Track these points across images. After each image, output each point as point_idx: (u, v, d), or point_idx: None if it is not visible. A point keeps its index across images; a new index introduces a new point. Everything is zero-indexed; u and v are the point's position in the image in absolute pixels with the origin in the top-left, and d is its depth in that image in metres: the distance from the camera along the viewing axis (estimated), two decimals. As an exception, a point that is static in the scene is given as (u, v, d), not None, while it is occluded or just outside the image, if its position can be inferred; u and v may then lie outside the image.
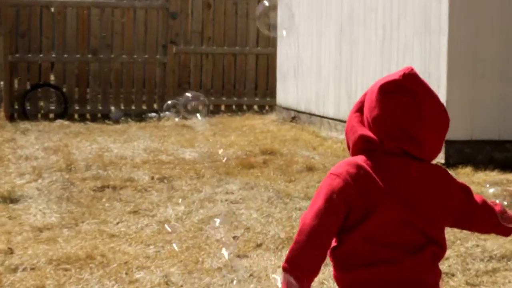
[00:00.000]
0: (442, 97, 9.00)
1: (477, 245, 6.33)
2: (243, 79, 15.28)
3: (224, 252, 4.90)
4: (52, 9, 14.63)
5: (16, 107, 14.43)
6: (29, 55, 14.56)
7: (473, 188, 4.32)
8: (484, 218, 3.10)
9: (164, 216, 7.33)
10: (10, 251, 6.30)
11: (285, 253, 4.94)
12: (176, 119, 12.42)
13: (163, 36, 14.97)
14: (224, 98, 15.25)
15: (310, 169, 9.16)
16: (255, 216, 7.23)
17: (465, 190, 3.07)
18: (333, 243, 2.97)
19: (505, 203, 3.11)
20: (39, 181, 8.62)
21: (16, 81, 14.57)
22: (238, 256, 6.17)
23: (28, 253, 6.21)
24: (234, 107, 15.23)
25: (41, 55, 14.61)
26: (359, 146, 2.98)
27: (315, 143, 10.99)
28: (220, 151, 10.33)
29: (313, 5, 12.52)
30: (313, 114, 12.40)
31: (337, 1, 11.83)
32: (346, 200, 2.89)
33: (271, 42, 14.94)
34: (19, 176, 8.89)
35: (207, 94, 15.21)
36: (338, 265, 2.97)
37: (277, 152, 10.20)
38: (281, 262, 3.05)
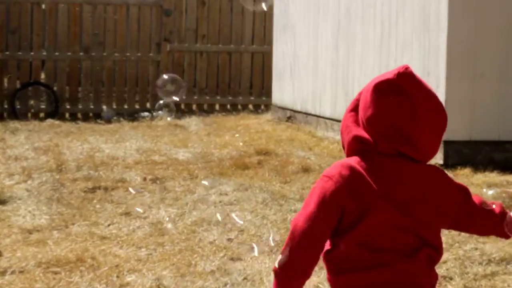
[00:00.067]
0: (441, 97, 9.02)
1: (476, 248, 6.30)
2: (238, 78, 15.22)
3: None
4: (43, 6, 14.57)
5: (6, 106, 14.35)
6: (19, 53, 14.48)
7: (472, 189, 4.29)
8: (483, 220, 3.06)
9: (156, 218, 7.30)
10: (-2, 254, 6.28)
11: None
12: (169, 119, 12.38)
13: (157, 33, 14.90)
14: (218, 97, 15.19)
15: (306, 170, 9.13)
16: (249, 218, 7.21)
17: (463, 191, 3.04)
18: (327, 246, 2.95)
19: None
20: (29, 182, 8.60)
21: (5, 80, 14.51)
22: (232, 259, 6.17)
23: (17, 256, 6.18)
24: (228, 106, 15.17)
25: (31, 53, 14.52)
26: (353, 147, 2.97)
27: (311, 144, 10.97)
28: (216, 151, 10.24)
29: (310, 1, 12.44)
30: (309, 114, 12.38)
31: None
32: (339, 203, 2.88)
33: (267, 40, 14.90)
34: (8, 176, 8.86)
35: (201, 93, 15.15)
36: (332, 268, 2.95)
37: (272, 152, 10.18)
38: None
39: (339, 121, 11.00)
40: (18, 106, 14.29)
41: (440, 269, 5.71)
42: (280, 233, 6.70)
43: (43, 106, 14.41)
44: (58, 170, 9.09)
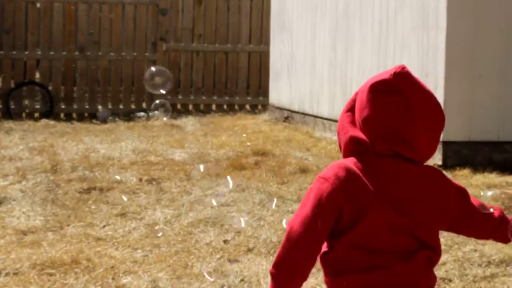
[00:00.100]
0: (440, 97, 9.02)
1: (475, 250, 6.29)
2: (235, 78, 15.19)
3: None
4: (38, 5, 14.54)
5: (0, 106, 14.29)
6: (14, 52, 14.43)
7: (471, 190, 4.29)
8: (481, 222, 3.06)
9: (152, 219, 7.29)
10: (-8, 255, 6.29)
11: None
12: (165, 119, 12.35)
13: (153, 33, 14.86)
14: (215, 97, 15.16)
15: (303, 170, 9.11)
16: (246, 219, 7.19)
17: (461, 192, 3.03)
18: (324, 248, 2.95)
19: None
20: (23, 182, 8.56)
21: (0, 79, 14.40)
22: (229, 261, 6.18)
23: (11, 257, 6.18)
24: (225, 106, 15.14)
25: (26, 52, 14.47)
26: (349, 147, 2.97)
27: (309, 144, 10.94)
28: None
29: (307, 0, 12.43)
30: (307, 114, 12.36)
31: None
32: (335, 204, 2.88)
33: (264, 40, 14.87)
34: (2, 177, 8.82)
35: (198, 93, 15.10)
36: (329, 270, 2.95)
37: (270, 153, 10.16)
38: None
39: (337, 121, 10.95)
40: (13, 106, 14.24)
41: (439, 271, 5.72)
42: (277, 235, 6.68)
43: (37, 106, 14.36)
44: (53, 171, 9.07)
